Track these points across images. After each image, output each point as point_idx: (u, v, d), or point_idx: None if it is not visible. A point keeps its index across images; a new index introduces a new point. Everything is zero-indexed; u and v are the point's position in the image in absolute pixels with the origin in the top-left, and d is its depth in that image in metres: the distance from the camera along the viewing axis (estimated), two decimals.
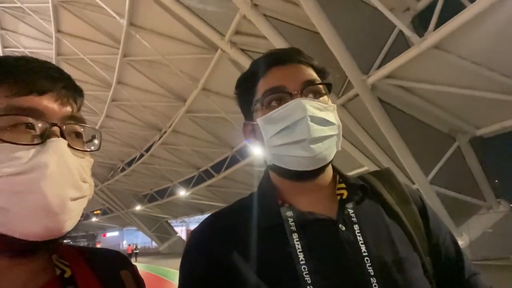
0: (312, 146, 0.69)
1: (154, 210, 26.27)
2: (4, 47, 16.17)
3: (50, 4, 11.34)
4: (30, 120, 0.55)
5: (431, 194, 7.07)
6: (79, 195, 0.56)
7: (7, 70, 0.56)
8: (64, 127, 0.57)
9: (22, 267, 0.56)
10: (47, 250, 0.58)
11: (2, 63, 0.58)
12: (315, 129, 0.70)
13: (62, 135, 0.56)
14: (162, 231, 31.42)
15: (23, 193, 0.51)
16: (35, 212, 0.51)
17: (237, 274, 0.67)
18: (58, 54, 13.90)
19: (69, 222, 0.55)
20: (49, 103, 0.57)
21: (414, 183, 7.04)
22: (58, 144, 0.55)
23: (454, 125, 7.19)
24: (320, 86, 0.77)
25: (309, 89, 0.74)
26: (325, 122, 0.72)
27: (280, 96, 0.74)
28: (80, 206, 0.57)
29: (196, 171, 18.59)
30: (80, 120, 0.61)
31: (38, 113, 0.55)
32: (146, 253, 36.09)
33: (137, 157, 20.00)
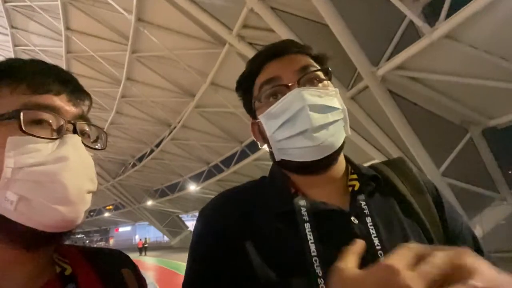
0: (315, 134, 0.68)
1: (165, 205, 26.51)
2: (15, 45, 16.38)
3: (59, 2, 11.44)
4: (48, 116, 0.58)
5: (443, 186, 6.99)
6: (93, 188, 0.59)
7: (22, 71, 0.60)
8: (77, 124, 0.61)
9: (23, 266, 0.57)
10: (58, 243, 0.60)
11: (16, 64, 0.62)
12: (316, 117, 0.69)
13: (75, 132, 0.60)
14: (174, 226, 31.73)
15: (44, 183, 0.54)
16: (55, 201, 0.53)
17: (245, 259, 0.67)
18: (68, 51, 14.02)
19: (83, 214, 0.57)
20: (62, 102, 0.60)
21: (426, 175, 6.97)
22: (75, 139, 0.59)
23: (467, 116, 7.07)
24: (318, 72, 0.75)
25: (306, 78, 0.73)
26: (326, 109, 0.71)
27: (276, 89, 0.73)
28: (91, 199, 0.60)
29: (206, 165, 18.69)
30: (89, 120, 0.65)
31: (54, 111, 0.59)
32: (158, 247, 36.53)
33: (148, 152, 20.16)
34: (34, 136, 0.55)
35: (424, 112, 6.84)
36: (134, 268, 0.74)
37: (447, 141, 7.14)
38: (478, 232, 7.58)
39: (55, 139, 0.57)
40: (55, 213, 0.53)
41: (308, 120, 0.68)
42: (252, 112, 0.81)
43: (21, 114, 0.55)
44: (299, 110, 0.69)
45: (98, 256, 0.70)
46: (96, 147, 0.66)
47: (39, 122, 0.57)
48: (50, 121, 0.58)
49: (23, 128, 0.54)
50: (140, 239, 30.96)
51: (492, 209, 7.78)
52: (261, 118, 0.75)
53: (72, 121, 0.60)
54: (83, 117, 0.63)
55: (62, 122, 0.59)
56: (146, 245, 28.54)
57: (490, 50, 5.31)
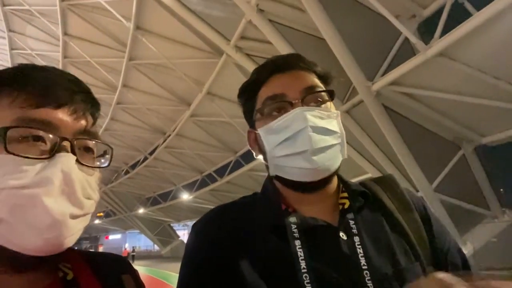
0: (314, 157, 0.68)
1: (157, 213, 26.26)
2: (11, 49, 16.33)
3: (57, 7, 11.45)
4: (41, 133, 0.54)
5: (435, 202, 7.02)
6: (80, 213, 0.56)
7: (25, 81, 0.57)
8: (75, 142, 0.57)
9: (23, 271, 0.56)
10: (49, 263, 0.58)
11: (21, 72, 0.58)
12: (317, 139, 0.69)
13: (73, 150, 0.56)
14: (165, 235, 31.38)
15: (24, 207, 0.51)
16: (34, 227, 0.51)
17: (238, 273, 0.67)
18: (65, 56, 14.01)
19: (69, 239, 0.54)
20: (63, 116, 0.57)
21: (418, 191, 6.99)
22: (66, 160, 0.54)
23: (459, 133, 7.14)
24: (322, 93, 0.75)
25: (310, 97, 0.73)
26: (327, 132, 0.71)
27: (280, 105, 0.73)
28: (81, 223, 0.57)
29: (199, 175, 18.59)
30: (93, 135, 0.62)
31: (50, 126, 0.55)
32: (148, 256, 36.08)
33: (141, 160, 20.03)
34: (19, 156, 0.52)
35: (417, 127, 6.89)
36: (134, 274, 0.73)
37: (439, 157, 7.19)
38: (468, 249, 7.59)
39: (45, 158, 0.54)
40: (35, 239, 0.51)
41: (309, 141, 0.68)
42: (251, 121, 0.81)
43: (7, 132, 0.52)
44: (301, 130, 0.69)
45: (99, 261, 0.69)
46: (98, 163, 0.63)
47: (32, 139, 0.54)
48: (45, 138, 0.55)
49: (7, 148, 0.52)
50: (125, 249, 31.53)
51: (483, 226, 7.81)
52: (261, 131, 0.75)
53: (70, 138, 0.56)
54: (86, 132, 0.60)
55: (56, 140, 0.55)
56: (133, 254, 29.15)
57: (483, 69, 5.39)
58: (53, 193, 0.52)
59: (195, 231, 0.76)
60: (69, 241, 0.55)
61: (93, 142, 0.62)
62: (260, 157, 0.81)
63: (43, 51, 15.44)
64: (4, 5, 13.67)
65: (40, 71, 0.59)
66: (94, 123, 0.64)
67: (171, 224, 31.48)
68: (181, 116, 13.98)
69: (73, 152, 0.56)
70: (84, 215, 0.57)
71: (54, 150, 0.55)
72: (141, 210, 26.38)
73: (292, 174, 0.72)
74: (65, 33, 12.80)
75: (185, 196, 20.02)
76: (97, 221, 34.88)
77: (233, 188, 16.29)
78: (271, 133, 0.73)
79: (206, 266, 0.70)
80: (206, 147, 15.41)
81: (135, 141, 18.88)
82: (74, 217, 0.54)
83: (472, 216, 7.58)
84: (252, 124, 0.81)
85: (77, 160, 0.56)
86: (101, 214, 33.49)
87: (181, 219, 27.94)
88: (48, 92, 0.56)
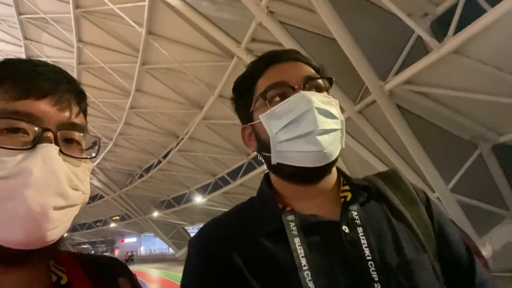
0: (319, 138, 0.67)
1: (171, 216, 26.42)
2: (28, 56, 16.71)
3: (71, 15, 11.69)
4: (23, 124, 0.54)
5: (452, 203, 6.89)
6: (65, 204, 0.54)
7: (8, 72, 0.56)
8: (58, 133, 0.56)
9: (17, 273, 0.55)
10: (38, 258, 0.57)
11: (5, 65, 0.58)
12: (322, 120, 0.69)
13: (56, 141, 0.55)
14: (179, 238, 31.55)
15: (4, 199, 0.50)
16: (14, 218, 0.49)
17: (238, 281, 0.66)
18: (79, 63, 14.27)
19: (54, 231, 0.52)
20: (46, 107, 0.56)
21: (434, 191, 6.88)
22: (48, 150, 0.53)
23: (476, 132, 7.00)
24: (321, 81, 0.76)
25: (311, 84, 0.74)
26: (330, 115, 0.71)
27: (283, 90, 0.73)
28: (68, 215, 0.55)
29: (212, 177, 18.66)
30: (78, 126, 0.60)
31: (32, 118, 0.54)
32: (163, 259, 36.36)
33: (155, 163, 20.22)
34: (0, 147, 0.51)
35: (432, 127, 6.79)
36: (131, 277, 0.72)
37: (456, 157, 7.07)
38: (488, 250, 7.43)
39: (26, 149, 0.52)
40: (16, 231, 0.49)
41: (315, 122, 0.68)
42: (246, 115, 0.80)
43: None
44: (306, 111, 0.69)
45: (94, 264, 0.68)
46: (85, 155, 0.61)
47: (14, 131, 0.53)
48: (27, 129, 0.54)
49: None
50: (127, 253, 33.91)
51: (502, 227, 7.63)
52: (262, 117, 0.73)
53: (53, 129, 0.55)
54: (71, 123, 0.59)
55: (39, 131, 0.54)
56: (132, 257, 31.81)
57: (499, 65, 5.28)
58: (32, 184, 0.50)
59: (190, 248, 0.75)
60: (53, 234, 0.53)
61: (82, 133, 0.60)
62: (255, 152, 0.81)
63: (58, 58, 15.76)
64: (20, 14, 14.02)
65: (23, 63, 0.58)
66: (81, 114, 0.62)
67: (185, 227, 31.66)
68: (194, 119, 14.09)
69: (57, 143, 0.55)
70: (70, 206, 0.55)
71: (36, 141, 0.54)
72: (155, 213, 26.57)
73: (295, 159, 0.70)
74: (79, 40, 13.06)
75: (199, 199, 20.10)
76: (112, 225, 35.30)
77: (246, 191, 16.28)
78: (274, 118, 0.72)
79: (205, 279, 0.69)
80: (218, 149, 15.47)
81: (149, 145, 19.08)
82: (57, 208, 0.53)
83: (490, 216, 7.42)
84: (246, 119, 0.80)
85: (61, 151, 0.55)
86: (117, 217, 33.88)
87: (195, 222, 28.04)
88: (30, 83, 0.55)
